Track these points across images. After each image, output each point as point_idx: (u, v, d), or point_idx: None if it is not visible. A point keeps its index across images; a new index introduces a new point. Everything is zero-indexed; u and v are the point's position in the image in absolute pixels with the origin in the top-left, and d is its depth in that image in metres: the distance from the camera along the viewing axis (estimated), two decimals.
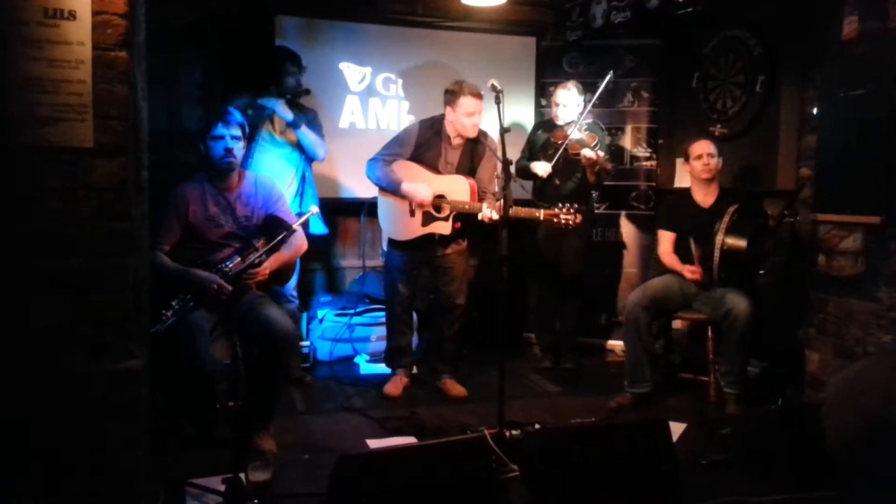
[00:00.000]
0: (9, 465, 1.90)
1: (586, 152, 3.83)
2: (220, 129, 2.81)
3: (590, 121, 4.18)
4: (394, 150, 3.65)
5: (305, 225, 2.99)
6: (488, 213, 3.38)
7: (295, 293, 3.89)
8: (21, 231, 1.89)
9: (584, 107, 4.07)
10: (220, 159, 2.83)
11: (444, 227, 3.55)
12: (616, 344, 4.63)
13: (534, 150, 4.22)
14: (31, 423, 1.91)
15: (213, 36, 4.21)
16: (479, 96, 3.51)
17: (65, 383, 1.93)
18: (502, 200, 2.93)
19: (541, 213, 3.39)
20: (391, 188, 3.58)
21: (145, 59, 2.13)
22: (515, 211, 3.28)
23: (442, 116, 3.65)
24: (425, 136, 3.65)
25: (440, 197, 3.54)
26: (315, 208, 3.15)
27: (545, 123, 4.32)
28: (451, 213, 3.53)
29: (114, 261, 1.97)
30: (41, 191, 1.89)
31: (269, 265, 2.81)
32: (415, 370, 3.98)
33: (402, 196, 3.57)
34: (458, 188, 3.54)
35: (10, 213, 1.88)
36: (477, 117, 3.54)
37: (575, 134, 3.98)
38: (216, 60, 4.22)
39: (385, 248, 4.18)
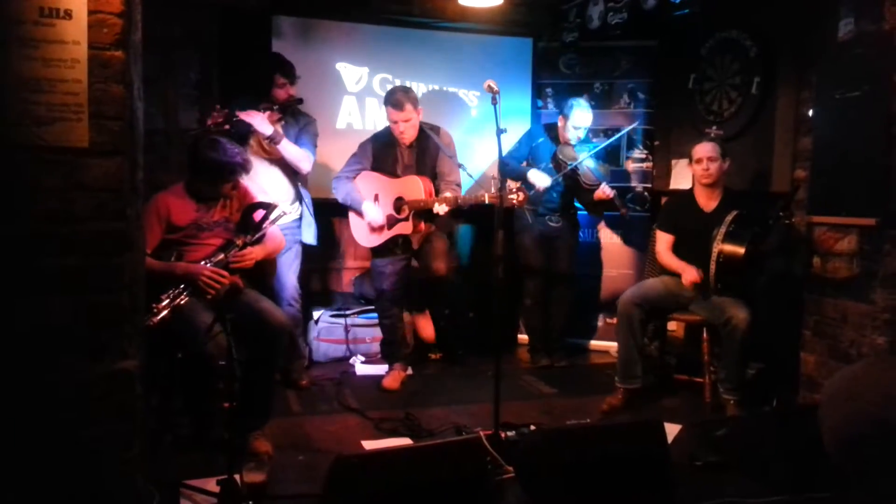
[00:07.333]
0: (3, 465, 1.89)
1: (605, 189, 4.01)
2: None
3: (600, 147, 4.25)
4: (353, 166, 3.84)
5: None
6: (440, 209, 3.53)
7: (297, 296, 3.82)
8: (17, 231, 1.88)
9: (604, 141, 4.25)
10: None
11: (406, 227, 3.68)
12: (605, 345, 4.65)
13: (535, 156, 4.22)
14: (26, 422, 1.91)
15: (209, 35, 4.20)
16: (396, 106, 3.61)
17: (60, 383, 1.92)
18: (500, 198, 2.99)
19: (486, 197, 3.38)
20: (355, 206, 3.76)
21: (141, 59, 2.12)
22: (464, 199, 3.52)
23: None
24: (379, 145, 3.80)
25: (399, 199, 3.68)
26: (279, 204, 2.98)
27: (551, 132, 4.29)
28: (409, 212, 3.65)
29: (109, 260, 1.96)
30: (37, 191, 1.88)
31: (257, 251, 2.90)
32: (409, 371, 4.00)
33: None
34: (413, 188, 3.67)
35: (5, 212, 1.87)
36: (401, 125, 3.66)
37: (590, 163, 4.05)
38: (213, 60, 4.22)
39: None
